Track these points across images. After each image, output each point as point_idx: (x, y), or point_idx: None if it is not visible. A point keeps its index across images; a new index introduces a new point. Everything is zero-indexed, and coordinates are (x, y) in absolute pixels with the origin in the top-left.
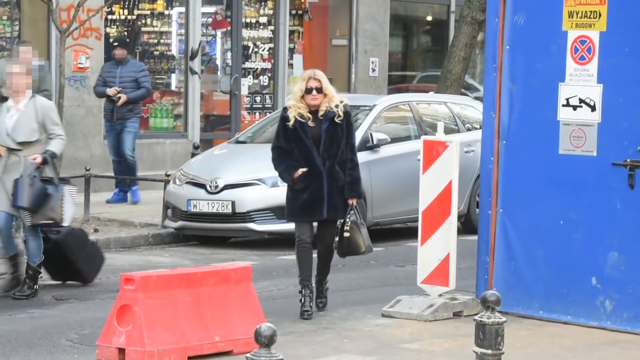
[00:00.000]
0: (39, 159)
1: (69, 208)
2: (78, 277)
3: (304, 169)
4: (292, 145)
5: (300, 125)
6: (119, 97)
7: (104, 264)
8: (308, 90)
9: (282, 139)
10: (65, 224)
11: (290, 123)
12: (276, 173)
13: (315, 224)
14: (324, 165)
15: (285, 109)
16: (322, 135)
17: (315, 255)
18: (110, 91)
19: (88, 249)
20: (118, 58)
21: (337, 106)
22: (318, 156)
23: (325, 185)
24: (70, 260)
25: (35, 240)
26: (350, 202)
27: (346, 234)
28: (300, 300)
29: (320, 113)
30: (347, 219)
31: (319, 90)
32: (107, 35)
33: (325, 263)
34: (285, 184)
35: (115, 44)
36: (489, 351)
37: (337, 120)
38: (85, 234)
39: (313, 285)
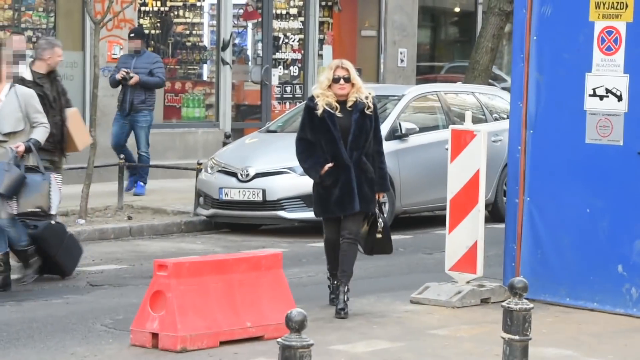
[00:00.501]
0: (21, 147)
1: (55, 196)
2: (57, 271)
3: (331, 164)
4: (319, 137)
5: (329, 116)
6: (131, 77)
7: (82, 255)
8: (335, 80)
9: (307, 129)
10: (53, 212)
11: (319, 112)
12: None
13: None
14: (351, 157)
15: (311, 98)
16: (351, 126)
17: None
18: (119, 74)
19: (66, 243)
20: (133, 49)
21: (366, 97)
22: (345, 148)
23: (354, 177)
24: (49, 255)
25: (14, 227)
26: (378, 196)
27: (378, 235)
28: (329, 287)
29: (349, 104)
30: (379, 220)
31: (347, 79)
32: (140, 26)
33: (349, 259)
34: None
35: (132, 35)
36: (517, 337)
37: (367, 111)
38: (63, 227)
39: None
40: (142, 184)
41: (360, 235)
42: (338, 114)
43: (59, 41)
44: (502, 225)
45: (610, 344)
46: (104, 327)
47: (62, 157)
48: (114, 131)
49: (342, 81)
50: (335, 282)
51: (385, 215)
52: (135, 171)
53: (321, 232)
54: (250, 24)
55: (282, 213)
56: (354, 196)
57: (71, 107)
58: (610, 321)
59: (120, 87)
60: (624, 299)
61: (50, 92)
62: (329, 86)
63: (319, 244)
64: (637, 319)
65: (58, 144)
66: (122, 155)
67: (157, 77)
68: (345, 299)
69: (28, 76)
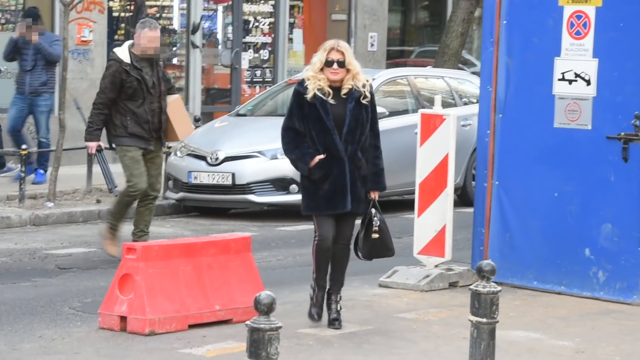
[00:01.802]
0: None
1: None
2: None
3: (322, 156)
4: (309, 127)
5: (321, 103)
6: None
7: None
8: (329, 63)
9: (295, 118)
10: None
11: (309, 96)
12: (276, 145)
13: None
14: (345, 150)
15: (301, 82)
16: (346, 116)
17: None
18: (17, 30)
19: None
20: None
21: (364, 86)
22: (340, 140)
23: (347, 173)
24: None
25: None
26: (372, 195)
27: (375, 235)
28: (311, 299)
29: (344, 91)
30: (375, 218)
31: (341, 64)
32: (110, 9)
33: (342, 267)
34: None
35: (29, 19)
36: (484, 320)
37: (363, 101)
38: None
39: (327, 284)
40: (42, 171)
41: (352, 239)
42: (331, 101)
43: (152, 23)
44: (471, 209)
45: (577, 326)
46: (72, 310)
47: (160, 146)
48: (12, 115)
49: (335, 65)
50: (321, 294)
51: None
52: (33, 159)
53: (291, 216)
54: (220, 7)
55: (251, 197)
56: (346, 193)
57: (174, 94)
58: (577, 304)
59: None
60: (591, 283)
61: (150, 77)
62: (322, 69)
63: (288, 228)
64: (603, 302)
65: (155, 132)
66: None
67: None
68: (338, 309)
69: (126, 58)
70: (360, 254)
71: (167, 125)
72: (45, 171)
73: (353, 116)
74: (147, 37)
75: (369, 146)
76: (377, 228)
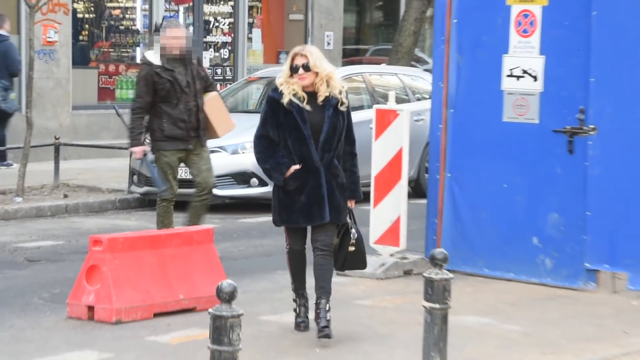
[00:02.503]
0: None
1: None
2: None
3: (298, 166)
4: (284, 135)
5: (298, 111)
6: None
7: None
8: (294, 69)
9: (269, 126)
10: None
11: (285, 101)
12: (237, 140)
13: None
14: (322, 160)
15: (274, 89)
16: (324, 124)
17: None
18: None
19: None
20: None
21: (340, 92)
22: (316, 149)
23: (324, 183)
24: None
25: None
26: (350, 204)
27: (351, 248)
28: (295, 311)
29: (321, 98)
30: (352, 230)
31: (306, 67)
32: (74, 11)
33: (326, 273)
34: (247, 152)
35: None
36: (437, 305)
37: (341, 107)
38: None
39: (307, 293)
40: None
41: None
42: (307, 107)
43: (175, 23)
44: (424, 201)
45: (526, 311)
46: (41, 300)
47: (199, 145)
48: None
49: (301, 70)
50: (303, 302)
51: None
52: None
53: (251, 209)
54: (181, 8)
55: (213, 190)
56: (323, 205)
57: (213, 91)
58: (525, 290)
59: None
60: (539, 269)
61: (184, 76)
62: (291, 75)
63: (250, 220)
64: (550, 287)
65: (193, 130)
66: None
67: None
68: (328, 318)
69: (156, 61)
70: (335, 266)
71: (207, 123)
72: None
73: (331, 124)
74: (170, 36)
75: (345, 154)
76: (354, 241)
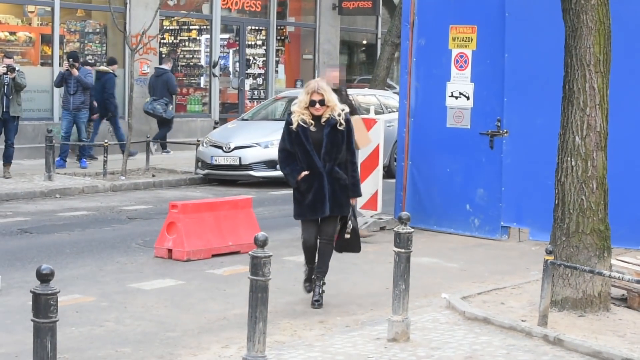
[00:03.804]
0: None
1: None
2: None
3: (306, 172)
4: (295, 149)
5: (303, 130)
6: (71, 69)
7: None
8: (312, 103)
9: (287, 142)
10: None
11: (294, 127)
12: (268, 139)
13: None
14: (324, 167)
15: (289, 114)
16: (323, 139)
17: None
18: (63, 66)
19: None
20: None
21: (339, 115)
22: (319, 159)
23: (326, 185)
24: None
25: None
26: (352, 201)
27: (347, 236)
28: (305, 274)
29: (323, 119)
30: (349, 222)
31: (322, 102)
32: (160, 52)
33: (325, 258)
34: (275, 146)
35: (71, 60)
36: (403, 250)
37: (338, 127)
38: None
39: (314, 266)
40: (84, 160)
41: (333, 236)
42: (312, 129)
43: (335, 64)
44: (393, 180)
45: (462, 254)
46: (137, 245)
47: None
48: (64, 125)
49: (317, 105)
50: (309, 271)
51: (355, 219)
52: (63, 153)
53: (278, 185)
54: (231, 51)
55: (252, 172)
56: (325, 202)
57: (356, 115)
58: (461, 240)
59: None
60: (470, 226)
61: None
62: (306, 107)
63: (276, 192)
64: (478, 239)
65: None
66: (148, 135)
67: (88, 81)
68: (320, 292)
69: None
70: (335, 248)
71: None
72: (86, 160)
73: (329, 139)
74: (331, 76)
75: (346, 162)
76: (349, 231)
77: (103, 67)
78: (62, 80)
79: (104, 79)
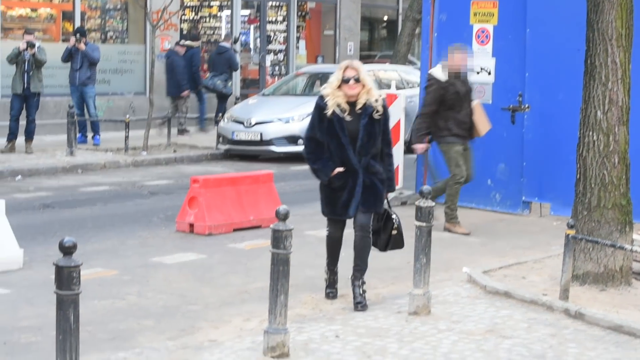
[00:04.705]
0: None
1: None
2: None
3: (341, 169)
4: (327, 139)
5: (338, 121)
6: (78, 45)
7: None
8: (346, 80)
9: (317, 129)
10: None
11: (329, 112)
12: (288, 114)
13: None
14: (359, 162)
15: (321, 98)
16: (359, 132)
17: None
18: (70, 41)
19: None
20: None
21: (376, 101)
22: (354, 154)
23: (360, 182)
24: None
25: None
26: (386, 195)
27: (394, 232)
28: (325, 281)
29: (359, 106)
30: (394, 216)
31: (357, 79)
32: (181, 29)
33: (363, 254)
34: (292, 122)
35: (78, 35)
36: (424, 224)
37: (376, 115)
38: None
39: (337, 268)
40: (97, 136)
41: (372, 229)
42: (347, 117)
43: (461, 47)
44: (415, 155)
45: (483, 229)
46: (159, 219)
47: (468, 142)
48: (74, 101)
49: (352, 81)
50: (332, 276)
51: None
52: (83, 129)
53: (298, 160)
54: (252, 26)
55: (272, 147)
56: (357, 200)
57: (475, 99)
58: (483, 215)
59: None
60: (492, 201)
61: (461, 88)
62: (339, 87)
63: (297, 167)
64: (499, 213)
65: (468, 130)
66: (169, 111)
67: (95, 55)
68: (362, 292)
69: (442, 77)
70: (377, 247)
71: (474, 124)
72: (99, 136)
73: (366, 131)
74: (458, 58)
75: (383, 154)
76: (397, 226)
77: (188, 42)
78: (69, 56)
79: (189, 53)
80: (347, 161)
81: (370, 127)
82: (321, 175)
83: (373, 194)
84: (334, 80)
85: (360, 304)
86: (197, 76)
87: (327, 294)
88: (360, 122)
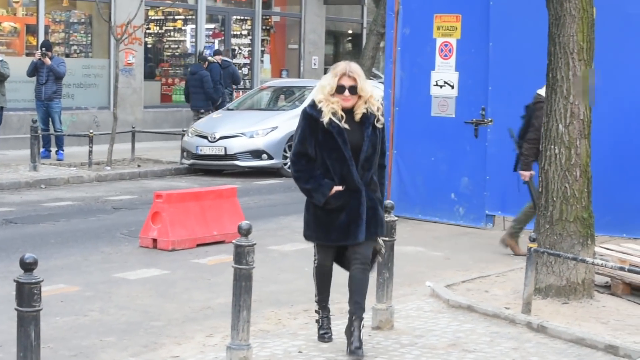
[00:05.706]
0: None
1: None
2: None
3: (340, 188)
4: (323, 154)
5: (338, 132)
6: (43, 59)
7: None
8: (340, 89)
9: (308, 144)
10: None
11: (325, 121)
12: (252, 128)
13: None
14: (362, 178)
15: (312, 105)
16: (364, 143)
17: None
18: (36, 55)
19: None
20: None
21: (378, 109)
22: (356, 169)
23: (364, 202)
24: None
25: None
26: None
27: (379, 258)
28: (317, 322)
29: (358, 116)
30: (379, 240)
31: (353, 90)
32: (145, 42)
33: (362, 289)
34: (257, 136)
35: (43, 49)
36: (387, 239)
37: (378, 124)
38: None
39: (329, 305)
40: (61, 151)
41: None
42: (345, 126)
43: None
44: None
45: (446, 243)
46: (122, 235)
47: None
48: (39, 116)
49: (347, 92)
50: (326, 315)
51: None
52: (47, 144)
53: (264, 174)
54: (216, 40)
55: (237, 162)
56: (361, 224)
57: None
58: (446, 229)
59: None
60: (455, 215)
61: None
62: (332, 94)
63: (260, 182)
64: (463, 227)
65: None
66: (134, 125)
67: (61, 69)
68: (360, 335)
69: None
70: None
71: None
72: (63, 151)
73: (370, 142)
74: None
75: (378, 166)
76: (384, 250)
77: (210, 58)
78: (34, 70)
79: (209, 68)
80: (348, 178)
81: (374, 137)
82: (317, 195)
83: (374, 215)
84: (327, 86)
85: (359, 350)
86: (217, 90)
87: (320, 336)
88: (364, 132)
